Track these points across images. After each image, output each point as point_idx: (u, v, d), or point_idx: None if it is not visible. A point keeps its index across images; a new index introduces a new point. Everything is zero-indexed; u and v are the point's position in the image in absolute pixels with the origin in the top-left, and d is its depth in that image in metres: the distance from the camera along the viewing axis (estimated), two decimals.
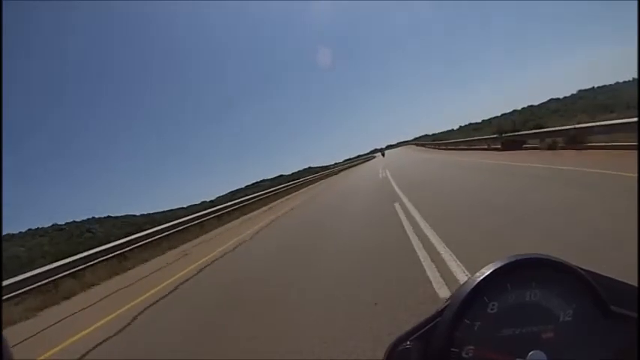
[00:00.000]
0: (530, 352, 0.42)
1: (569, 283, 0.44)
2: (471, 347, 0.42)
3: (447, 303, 0.44)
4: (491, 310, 0.43)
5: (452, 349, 0.42)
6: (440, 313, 0.44)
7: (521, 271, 0.44)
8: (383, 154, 66.44)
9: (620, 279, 0.46)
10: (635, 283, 0.46)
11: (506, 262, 0.44)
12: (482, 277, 0.43)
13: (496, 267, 0.44)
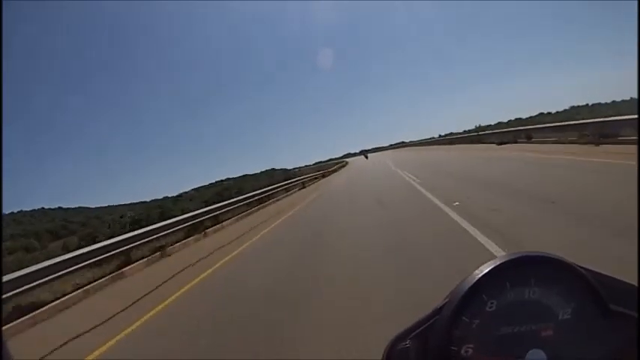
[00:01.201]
0: (529, 350, 0.42)
1: (568, 281, 0.43)
2: (470, 345, 0.42)
3: (446, 301, 0.44)
4: (490, 308, 0.42)
5: (451, 348, 0.42)
6: (438, 311, 0.44)
7: (520, 269, 0.43)
8: (366, 156, 61.26)
9: (620, 278, 0.46)
10: (635, 282, 0.46)
11: (505, 259, 0.44)
12: (481, 275, 0.43)
13: (495, 265, 0.43)
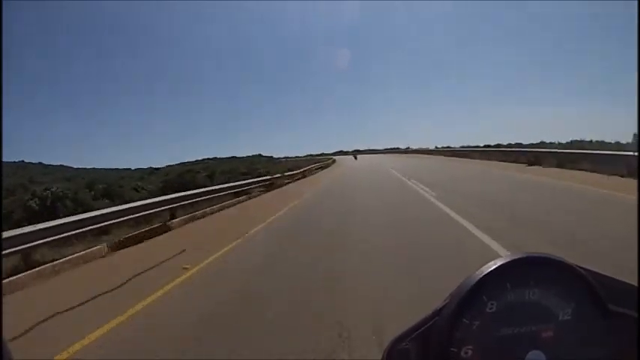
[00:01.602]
0: (529, 351, 0.42)
1: (568, 282, 0.43)
2: (470, 347, 0.42)
3: (446, 302, 0.44)
4: (490, 309, 0.42)
5: (450, 349, 0.41)
6: (438, 312, 0.44)
7: (521, 270, 0.43)
8: (355, 157, 58.06)
9: (620, 278, 0.45)
10: (635, 283, 0.46)
11: (505, 260, 0.44)
12: (481, 276, 0.43)
13: (495, 266, 0.43)
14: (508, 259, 0.43)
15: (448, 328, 0.41)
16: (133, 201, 8.83)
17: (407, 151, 64.96)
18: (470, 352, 0.41)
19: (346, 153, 74.77)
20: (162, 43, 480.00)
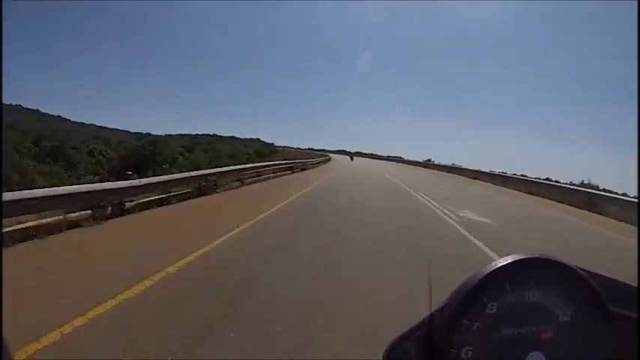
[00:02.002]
0: (529, 352, 0.42)
1: (568, 283, 0.43)
2: (470, 348, 0.42)
3: (446, 303, 0.44)
4: (490, 310, 0.42)
5: (451, 350, 0.41)
6: (439, 313, 0.44)
7: (521, 271, 0.43)
8: (351, 158, 56.45)
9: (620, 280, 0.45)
10: (635, 284, 0.46)
11: (505, 262, 0.43)
12: (481, 277, 0.43)
13: (495, 267, 0.43)
14: (508, 261, 0.43)
15: (449, 329, 0.41)
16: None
17: (403, 161, 62.26)
18: (470, 352, 0.41)
19: (348, 153, 73.21)
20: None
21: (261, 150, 40.27)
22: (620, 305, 0.43)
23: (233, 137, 75.41)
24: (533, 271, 0.43)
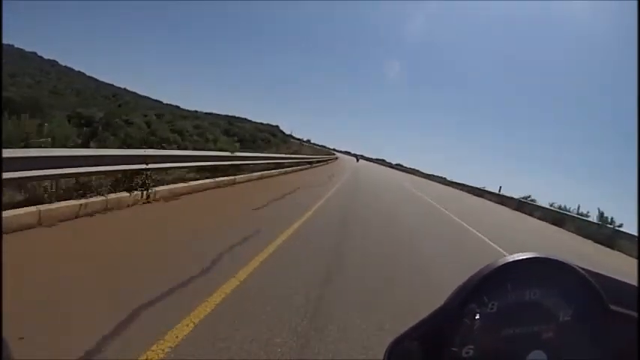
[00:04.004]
0: (530, 351, 0.42)
1: (569, 282, 0.43)
2: (471, 347, 0.42)
3: (447, 302, 0.44)
4: (491, 309, 0.42)
5: (452, 349, 0.41)
6: (439, 312, 0.44)
7: (521, 271, 0.43)
8: (357, 159, 59.73)
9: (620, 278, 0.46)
10: (635, 283, 0.46)
11: (506, 261, 0.43)
12: (481, 277, 0.43)
13: (496, 266, 0.43)
14: (509, 260, 0.43)
15: (449, 328, 0.42)
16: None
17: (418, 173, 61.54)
18: (471, 351, 0.41)
19: (354, 155, 76.19)
20: None
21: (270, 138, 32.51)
22: (621, 304, 0.43)
23: (233, 116, 66.39)
24: (534, 270, 0.43)
